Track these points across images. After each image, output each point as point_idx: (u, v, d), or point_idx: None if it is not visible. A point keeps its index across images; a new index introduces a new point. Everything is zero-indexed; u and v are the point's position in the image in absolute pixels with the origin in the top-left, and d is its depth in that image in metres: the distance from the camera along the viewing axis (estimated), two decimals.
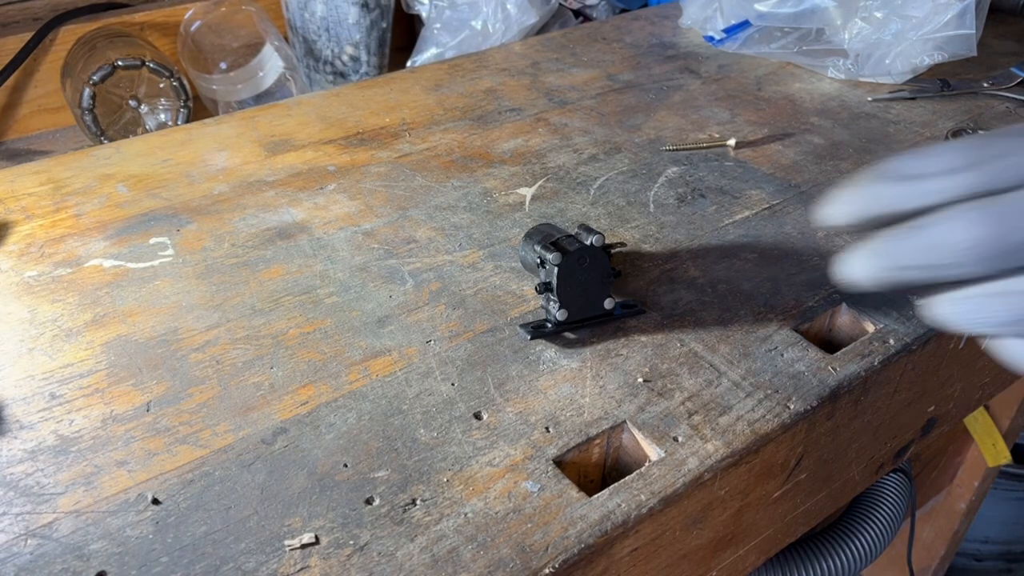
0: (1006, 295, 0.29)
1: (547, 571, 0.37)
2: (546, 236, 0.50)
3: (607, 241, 0.49)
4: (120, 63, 0.80)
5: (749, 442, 0.43)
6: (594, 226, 0.57)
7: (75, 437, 0.43)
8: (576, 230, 0.50)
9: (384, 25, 0.97)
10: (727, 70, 0.85)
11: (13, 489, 0.40)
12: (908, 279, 0.30)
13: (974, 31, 0.78)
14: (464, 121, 0.74)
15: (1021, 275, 0.28)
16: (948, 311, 0.30)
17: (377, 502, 0.39)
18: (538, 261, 0.49)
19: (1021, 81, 0.82)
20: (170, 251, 0.57)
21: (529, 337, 0.49)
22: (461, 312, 0.52)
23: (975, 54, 0.78)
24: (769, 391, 0.46)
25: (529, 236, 0.52)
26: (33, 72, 0.86)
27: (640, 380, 0.46)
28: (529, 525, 0.38)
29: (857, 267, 0.31)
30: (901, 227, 0.30)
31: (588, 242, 0.48)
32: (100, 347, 0.49)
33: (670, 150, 0.70)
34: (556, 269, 0.47)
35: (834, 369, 0.47)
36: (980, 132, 0.29)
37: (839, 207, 0.32)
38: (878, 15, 0.80)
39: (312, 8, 0.93)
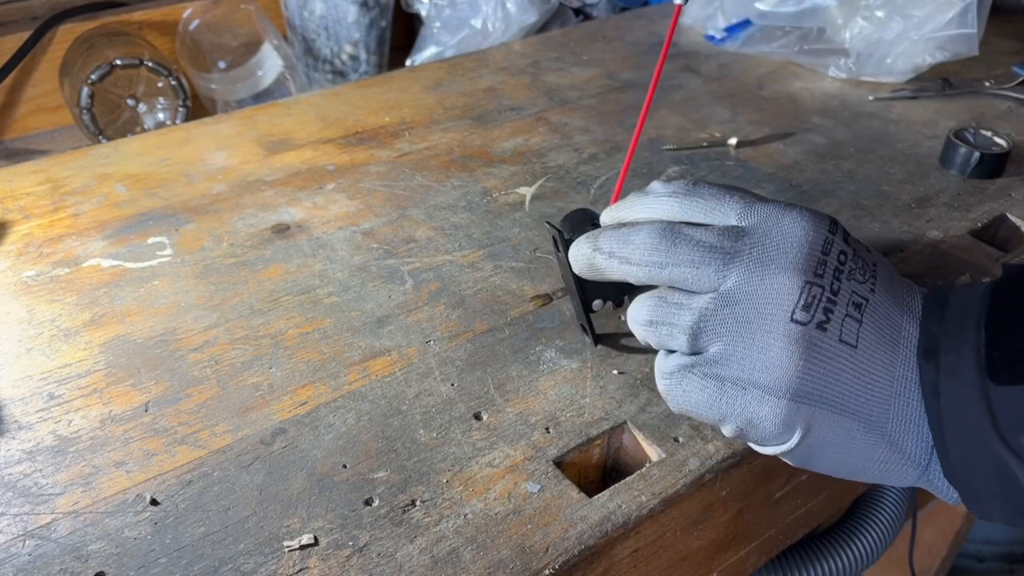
0: (648, 299, 0.37)
1: (547, 572, 0.37)
2: (581, 220, 0.45)
3: None
4: (118, 62, 0.80)
5: None
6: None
7: (73, 437, 0.43)
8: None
9: (383, 24, 0.97)
10: (728, 69, 0.85)
11: (11, 490, 0.40)
12: (603, 265, 0.38)
13: (975, 30, 0.78)
14: (464, 120, 0.74)
15: (671, 290, 0.36)
16: (628, 312, 0.38)
17: (376, 503, 0.39)
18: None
19: (1022, 80, 0.82)
20: (168, 251, 0.57)
21: (595, 344, 0.48)
22: (461, 312, 0.52)
23: (976, 53, 0.78)
24: None
25: (563, 223, 0.45)
26: (31, 71, 0.86)
27: (639, 379, 0.46)
28: (529, 526, 0.38)
29: (577, 248, 0.40)
30: (613, 225, 0.39)
31: None
32: (98, 347, 0.48)
33: (671, 149, 0.70)
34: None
35: None
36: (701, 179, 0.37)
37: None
38: (879, 14, 0.80)
39: (311, 7, 0.93)
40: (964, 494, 0.34)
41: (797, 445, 0.34)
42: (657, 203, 0.38)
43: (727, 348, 0.34)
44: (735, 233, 0.35)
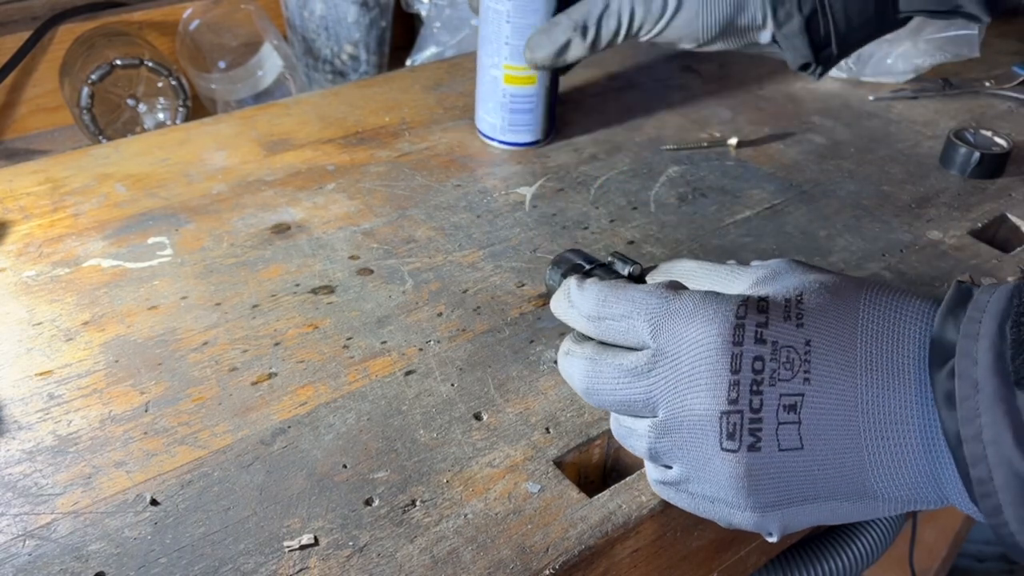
0: (611, 418, 0.39)
1: (547, 572, 0.37)
2: (574, 267, 0.46)
3: (640, 267, 0.45)
4: (118, 62, 0.80)
5: None
6: (626, 252, 0.52)
7: (73, 438, 0.43)
8: (610, 258, 0.45)
9: (383, 24, 0.97)
10: (728, 69, 0.85)
11: (11, 490, 0.40)
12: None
13: (976, 31, 0.78)
14: (464, 120, 0.74)
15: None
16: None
17: (377, 503, 0.39)
18: None
19: (1022, 80, 0.82)
20: (169, 251, 0.57)
21: None
22: (461, 312, 0.52)
23: (977, 55, 0.78)
24: None
25: (556, 264, 0.48)
26: (31, 71, 0.86)
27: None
28: (529, 526, 0.38)
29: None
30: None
31: (626, 273, 0.44)
32: (98, 347, 0.48)
33: (671, 149, 0.70)
34: None
35: None
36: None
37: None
38: None
39: (311, 7, 0.93)
40: (986, 511, 0.31)
41: (781, 536, 0.36)
42: (576, 320, 0.39)
43: (684, 471, 0.35)
44: (651, 360, 0.35)
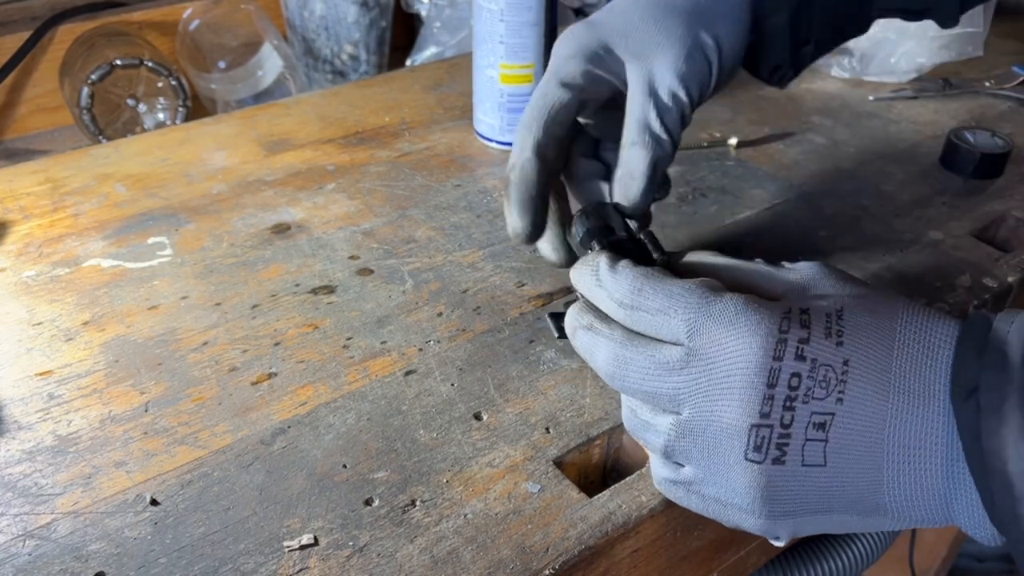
0: (624, 407, 0.38)
1: (547, 572, 0.37)
2: (603, 229, 0.43)
3: (668, 259, 0.42)
4: (118, 62, 0.80)
5: None
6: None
7: (73, 438, 0.43)
8: (641, 236, 0.42)
9: (383, 24, 0.97)
10: None
11: (11, 490, 0.40)
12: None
13: (982, 29, 0.78)
14: (464, 120, 0.74)
15: (638, 403, 0.37)
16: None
17: (376, 503, 0.39)
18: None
19: (1022, 80, 0.82)
20: (169, 251, 0.57)
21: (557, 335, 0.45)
22: (461, 312, 0.52)
23: (982, 53, 0.78)
24: None
25: (584, 217, 0.44)
26: (31, 71, 0.86)
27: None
28: (529, 526, 0.38)
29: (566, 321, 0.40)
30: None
31: (656, 257, 0.41)
32: (98, 347, 0.48)
33: None
34: None
35: None
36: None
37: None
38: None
39: (311, 7, 0.93)
40: (1013, 544, 0.31)
41: (788, 542, 0.36)
42: (604, 303, 0.37)
43: (698, 472, 0.35)
44: (684, 358, 0.34)
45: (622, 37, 0.46)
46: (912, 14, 0.54)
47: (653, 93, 0.45)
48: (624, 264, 0.37)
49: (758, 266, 0.37)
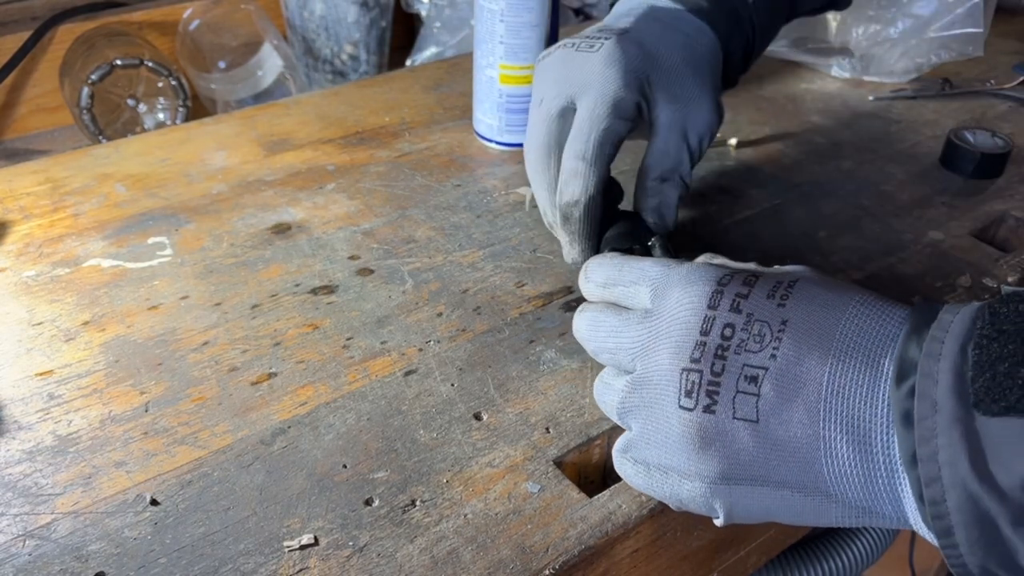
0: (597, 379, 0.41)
1: (547, 572, 0.37)
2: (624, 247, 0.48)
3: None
4: (118, 62, 0.80)
5: None
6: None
7: (73, 438, 0.43)
8: (652, 241, 0.49)
9: (383, 24, 0.97)
10: None
11: (11, 490, 0.40)
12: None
13: (983, 29, 0.78)
14: (464, 120, 0.74)
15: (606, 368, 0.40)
16: None
17: (376, 503, 0.39)
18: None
19: (1022, 80, 0.82)
20: (169, 251, 0.57)
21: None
22: (461, 312, 0.52)
23: (982, 54, 0.78)
24: None
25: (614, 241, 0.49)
26: (31, 71, 0.86)
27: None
28: (529, 526, 0.38)
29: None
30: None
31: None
32: (98, 347, 0.48)
33: None
34: None
35: None
36: None
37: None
38: (885, 13, 0.80)
39: (311, 7, 0.93)
40: (938, 532, 0.30)
41: (727, 521, 0.35)
42: (590, 291, 0.42)
43: (642, 430, 0.36)
44: (643, 314, 0.37)
45: (666, 77, 0.50)
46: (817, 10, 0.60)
47: (686, 139, 0.51)
48: (610, 254, 0.42)
49: (748, 266, 0.38)
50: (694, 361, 0.34)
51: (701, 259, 0.41)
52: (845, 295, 0.34)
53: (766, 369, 0.33)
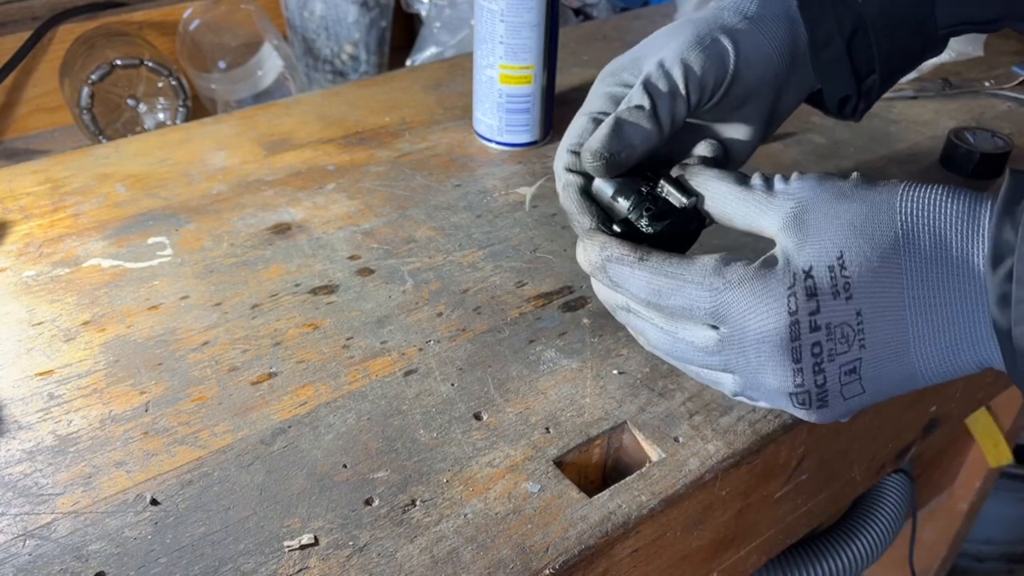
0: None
1: (547, 572, 0.37)
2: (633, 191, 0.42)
3: (696, 200, 0.42)
4: (119, 62, 0.80)
5: (750, 443, 0.43)
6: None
7: (73, 437, 0.43)
8: (661, 184, 0.42)
9: (383, 24, 0.97)
10: None
11: (11, 490, 0.40)
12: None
13: None
14: (464, 120, 0.74)
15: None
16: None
17: (377, 503, 0.39)
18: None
19: (1022, 80, 0.82)
20: (169, 251, 0.57)
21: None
22: (461, 312, 0.52)
23: (982, 54, 0.78)
24: None
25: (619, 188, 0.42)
26: (31, 71, 0.86)
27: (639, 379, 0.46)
28: (529, 526, 0.38)
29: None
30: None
31: (679, 206, 0.41)
32: (99, 347, 0.48)
33: None
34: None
35: None
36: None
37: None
38: None
39: (311, 7, 0.93)
40: None
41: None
42: (624, 301, 0.40)
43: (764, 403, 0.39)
44: (719, 343, 0.37)
45: (645, 49, 0.47)
46: (984, 24, 0.52)
47: (650, 68, 0.44)
48: (632, 261, 0.38)
49: (755, 194, 0.39)
50: (797, 386, 0.36)
51: (698, 178, 0.41)
52: (889, 236, 0.35)
53: (860, 359, 0.36)
